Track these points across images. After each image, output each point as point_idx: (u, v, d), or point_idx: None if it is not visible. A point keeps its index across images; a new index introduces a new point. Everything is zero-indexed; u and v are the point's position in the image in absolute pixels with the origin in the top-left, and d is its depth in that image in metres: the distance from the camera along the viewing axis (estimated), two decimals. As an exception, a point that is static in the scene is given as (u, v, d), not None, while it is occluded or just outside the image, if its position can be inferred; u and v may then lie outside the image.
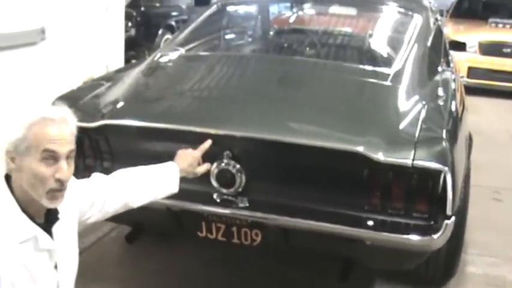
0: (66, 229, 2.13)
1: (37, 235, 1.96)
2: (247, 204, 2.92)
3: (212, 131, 2.91)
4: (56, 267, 2.06)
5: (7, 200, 1.94)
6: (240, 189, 2.92)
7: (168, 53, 4.04)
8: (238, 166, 2.88)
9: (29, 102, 4.86)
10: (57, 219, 2.06)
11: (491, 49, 9.28)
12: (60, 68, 5.36)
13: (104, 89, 3.59)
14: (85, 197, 2.30)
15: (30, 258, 1.95)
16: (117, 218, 3.57)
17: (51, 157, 1.92)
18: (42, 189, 1.93)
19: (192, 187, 2.99)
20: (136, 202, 2.53)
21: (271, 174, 2.95)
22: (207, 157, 2.91)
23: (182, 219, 3.11)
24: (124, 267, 3.80)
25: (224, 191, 2.93)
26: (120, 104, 3.28)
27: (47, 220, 2.04)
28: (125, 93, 3.45)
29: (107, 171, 3.11)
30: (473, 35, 9.53)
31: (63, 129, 1.95)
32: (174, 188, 2.63)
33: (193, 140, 2.99)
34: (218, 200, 2.94)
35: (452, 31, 9.40)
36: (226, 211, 2.93)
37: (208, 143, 2.78)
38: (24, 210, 1.95)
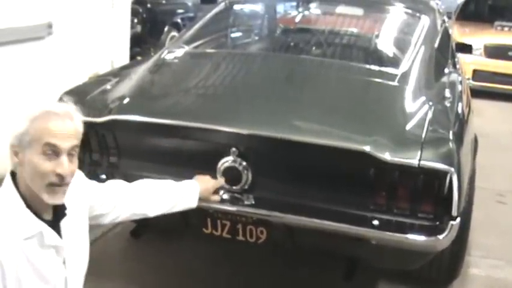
0: (75, 225, 2.14)
1: (42, 231, 1.96)
2: (253, 202, 2.93)
3: (219, 128, 2.92)
4: (64, 262, 2.07)
5: (12, 196, 1.95)
6: (246, 187, 2.93)
7: (175, 50, 4.05)
8: (244, 163, 2.89)
9: (35, 96, 4.87)
10: (64, 215, 2.06)
11: (496, 52, 9.27)
12: (66, 63, 5.36)
13: (111, 84, 3.59)
14: (96, 196, 2.33)
15: (35, 254, 1.95)
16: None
17: (52, 151, 1.93)
18: (41, 183, 1.93)
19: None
20: (151, 211, 2.62)
21: (277, 172, 2.95)
22: (214, 153, 2.93)
23: (188, 216, 3.09)
24: (128, 263, 3.80)
25: (230, 188, 2.94)
26: (128, 100, 3.28)
27: (55, 216, 2.04)
28: (132, 89, 3.45)
29: (113, 166, 3.16)
30: (478, 37, 9.52)
31: (67, 124, 1.96)
32: (193, 203, 2.76)
33: (200, 136, 3.01)
34: (224, 197, 2.94)
35: (457, 33, 9.38)
36: (232, 208, 2.93)
37: (222, 181, 2.89)
38: (29, 206, 1.95)
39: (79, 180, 2.22)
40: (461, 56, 6.38)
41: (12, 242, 1.89)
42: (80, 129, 2.03)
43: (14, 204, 1.94)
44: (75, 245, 2.13)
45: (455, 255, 3.44)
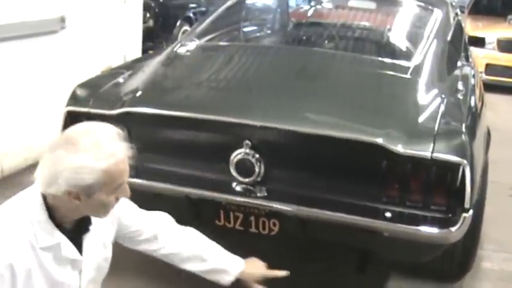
0: (99, 239, 2.12)
1: (61, 243, 1.94)
2: (266, 194, 2.94)
3: (232, 120, 2.94)
4: (80, 273, 2.04)
5: (37, 205, 1.91)
6: (259, 179, 2.94)
7: (188, 43, 4.06)
8: (257, 155, 2.90)
9: (48, 89, 4.91)
10: (87, 230, 2.04)
11: (509, 46, 9.19)
12: (79, 57, 5.39)
13: (124, 77, 3.60)
14: (129, 217, 2.31)
15: (51, 263, 1.93)
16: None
17: (121, 185, 1.94)
18: (105, 211, 1.98)
19: (211, 176, 3.02)
20: (185, 265, 2.47)
21: (290, 164, 2.96)
22: (227, 146, 2.94)
23: (200, 208, 3.12)
24: (141, 257, 3.80)
25: (243, 180, 2.95)
26: (140, 92, 3.29)
27: (77, 229, 2.02)
28: (145, 81, 3.47)
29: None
30: (491, 31, 9.46)
31: (127, 159, 1.93)
32: (225, 280, 2.45)
33: (212, 128, 3.02)
34: (237, 189, 2.96)
35: (470, 27, 9.32)
36: (245, 200, 2.94)
37: (274, 273, 2.52)
38: (51, 216, 1.91)
39: None
40: (474, 50, 6.36)
41: (28, 249, 1.87)
42: None
43: (36, 213, 1.90)
44: (95, 259, 2.10)
45: (467, 249, 3.43)
